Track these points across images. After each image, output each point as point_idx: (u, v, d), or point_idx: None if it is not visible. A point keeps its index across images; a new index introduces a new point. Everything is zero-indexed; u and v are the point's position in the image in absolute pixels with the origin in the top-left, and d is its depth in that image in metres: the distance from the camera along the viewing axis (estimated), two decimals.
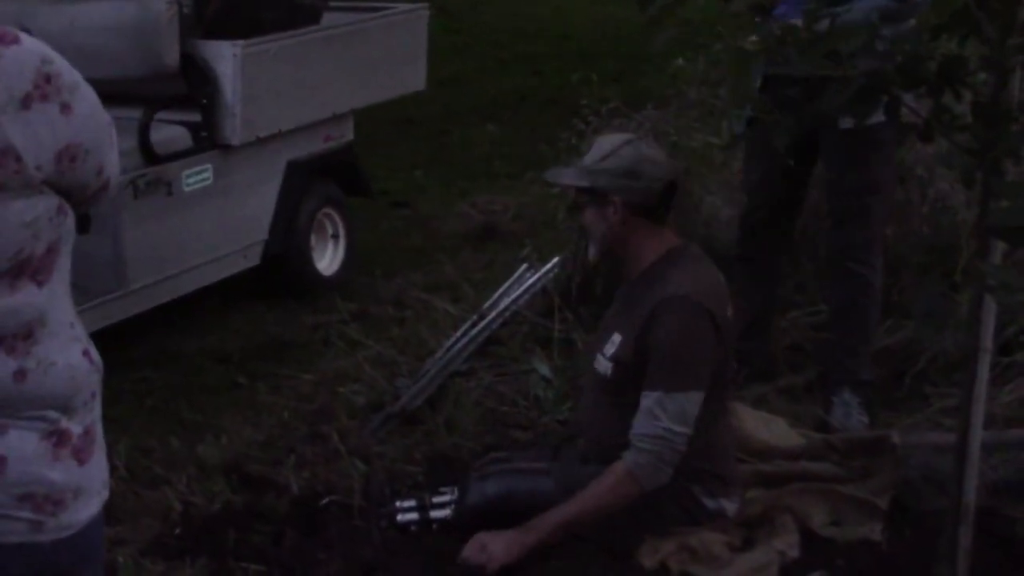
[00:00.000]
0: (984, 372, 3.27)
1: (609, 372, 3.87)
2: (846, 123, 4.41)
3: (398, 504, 4.10)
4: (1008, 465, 4.16)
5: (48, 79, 1.80)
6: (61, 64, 1.83)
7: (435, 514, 4.05)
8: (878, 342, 5.17)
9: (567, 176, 3.98)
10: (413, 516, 4.07)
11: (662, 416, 3.69)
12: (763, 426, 4.53)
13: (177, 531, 4.16)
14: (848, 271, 4.80)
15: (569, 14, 13.26)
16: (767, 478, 4.20)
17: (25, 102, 1.77)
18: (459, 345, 5.43)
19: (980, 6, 2.83)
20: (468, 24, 12.61)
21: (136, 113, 5.57)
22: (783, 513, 3.99)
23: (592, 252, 4.04)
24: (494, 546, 3.72)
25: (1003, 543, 3.82)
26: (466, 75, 11.08)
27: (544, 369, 5.17)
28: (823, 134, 4.64)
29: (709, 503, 3.93)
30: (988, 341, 3.27)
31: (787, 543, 3.89)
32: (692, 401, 3.70)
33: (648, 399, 3.72)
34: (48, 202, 1.82)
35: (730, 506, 3.96)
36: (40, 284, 1.84)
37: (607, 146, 3.89)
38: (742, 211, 5.17)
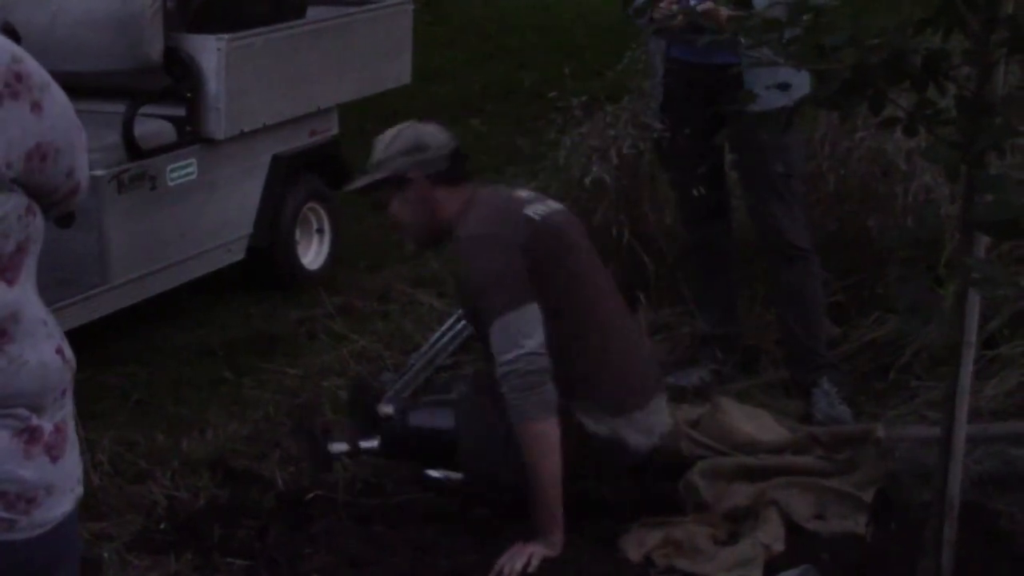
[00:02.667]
0: (968, 365, 3.28)
1: (469, 325, 4.13)
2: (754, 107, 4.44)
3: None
4: (992, 458, 4.17)
5: (19, 77, 1.79)
6: (31, 63, 1.82)
7: (364, 444, 4.26)
8: (863, 336, 5.19)
9: (363, 179, 4.19)
10: (343, 447, 4.27)
11: (504, 342, 3.83)
12: (747, 420, 4.53)
13: (162, 526, 4.15)
14: (786, 255, 4.84)
15: (553, 7, 13.24)
16: (752, 472, 4.21)
17: None
18: (444, 340, 5.43)
19: (964, 1, 2.84)
20: (452, 17, 12.58)
21: (120, 107, 5.54)
22: (768, 507, 4.00)
23: (409, 242, 4.33)
24: (535, 548, 3.83)
25: (988, 536, 3.83)
26: (451, 69, 11.06)
27: None
28: (732, 122, 4.63)
29: (597, 427, 3.98)
30: (972, 335, 3.28)
31: (772, 536, 3.90)
32: (524, 316, 3.84)
33: (490, 335, 3.88)
34: (17, 201, 1.81)
35: (636, 437, 4.03)
36: (10, 283, 1.83)
37: (388, 137, 4.15)
38: (677, 206, 5.28)
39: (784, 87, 3.32)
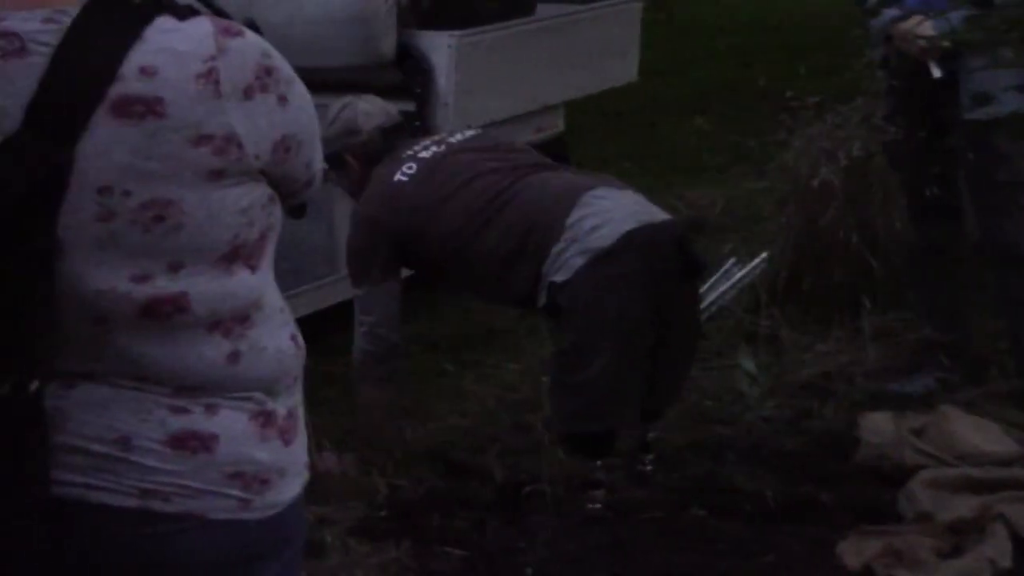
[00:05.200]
0: None
1: None
2: (976, 114, 4.32)
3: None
4: None
5: (268, 71, 1.85)
6: (278, 58, 1.88)
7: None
8: None
9: None
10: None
11: (358, 312, 4.43)
12: (974, 430, 4.43)
13: (383, 513, 4.23)
14: (1014, 266, 4.69)
15: (780, 6, 13.09)
16: (978, 483, 4.10)
17: (247, 92, 1.82)
18: None
19: None
20: (678, 16, 12.53)
21: None
22: (994, 520, 3.89)
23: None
24: None
25: None
26: (675, 67, 11.01)
27: (749, 365, 5.12)
28: (958, 126, 4.52)
29: (574, 261, 4.07)
30: None
31: (999, 552, 3.79)
32: (368, 295, 4.39)
33: None
34: (262, 191, 1.87)
35: (602, 232, 4.08)
36: (253, 270, 1.89)
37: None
38: (907, 201, 5.14)
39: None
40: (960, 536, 3.92)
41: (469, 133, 4.63)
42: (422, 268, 4.60)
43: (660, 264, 4.08)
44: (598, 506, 4.16)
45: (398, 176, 4.33)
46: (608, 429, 4.21)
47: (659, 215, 4.23)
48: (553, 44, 6.53)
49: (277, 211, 1.92)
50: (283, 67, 1.87)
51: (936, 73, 4.48)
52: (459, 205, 4.24)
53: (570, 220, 4.07)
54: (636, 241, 4.03)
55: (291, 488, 1.95)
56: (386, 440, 4.58)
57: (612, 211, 4.11)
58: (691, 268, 4.22)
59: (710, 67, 11.24)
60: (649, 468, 4.36)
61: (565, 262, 4.03)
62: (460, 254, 4.26)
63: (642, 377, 4.13)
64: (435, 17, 6.00)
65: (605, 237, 4.02)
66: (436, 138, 4.61)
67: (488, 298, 4.73)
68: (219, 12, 1.89)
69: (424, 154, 4.38)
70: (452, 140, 4.51)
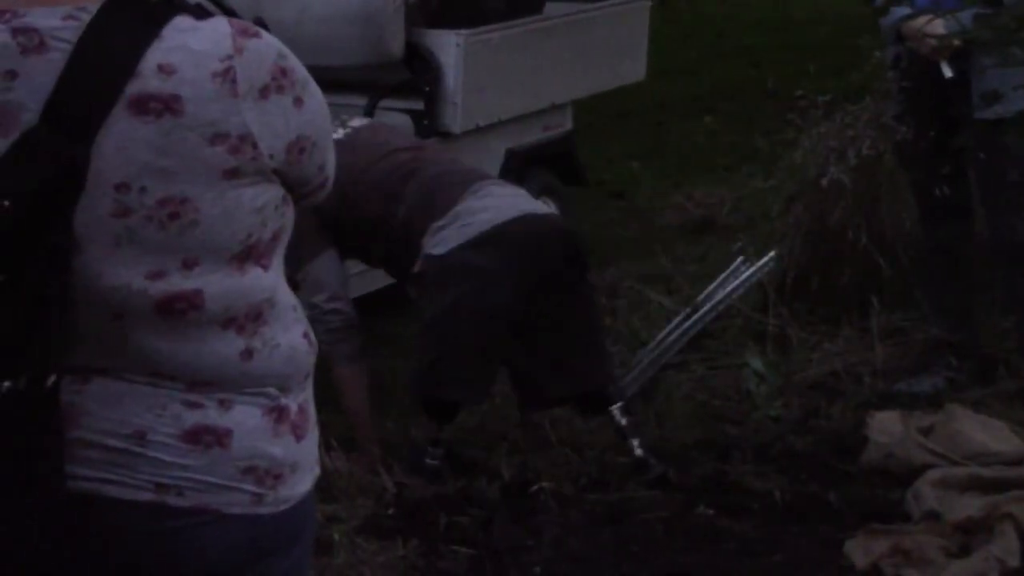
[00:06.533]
0: None
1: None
2: (986, 113, 4.33)
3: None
4: None
5: (284, 72, 1.86)
6: (293, 59, 1.89)
7: None
8: None
9: None
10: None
11: (306, 294, 4.24)
12: (982, 429, 4.43)
13: (390, 511, 4.23)
14: (1021, 265, 4.70)
15: (789, 5, 13.08)
16: (986, 483, 4.10)
17: (263, 93, 1.83)
18: (672, 337, 5.41)
19: None
20: (687, 14, 12.53)
21: (361, 100, 5.68)
22: (1003, 520, 3.89)
23: None
24: None
25: None
26: (684, 66, 11.00)
27: (757, 364, 5.13)
28: (968, 126, 4.53)
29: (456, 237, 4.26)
30: None
31: (1007, 551, 3.79)
32: (309, 273, 4.34)
33: None
34: (275, 191, 1.88)
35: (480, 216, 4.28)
36: (266, 269, 1.90)
37: None
38: (916, 200, 5.15)
39: None
40: (968, 535, 3.92)
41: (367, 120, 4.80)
42: (345, 245, 4.58)
43: (537, 256, 4.28)
44: (436, 463, 4.40)
45: None
46: (460, 399, 4.43)
47: (543, 211, 4.48)
48: (561, 43, 6.54)
49: (290, 212, 1.93)
50: (299, 68, 1.88)
51: (947, 72, 4.49)
52: (373, 179, 4.37)
53: (459, 205, 4.26)
54: (512, 231, 4.24)
55: (303, 483, 1.96)
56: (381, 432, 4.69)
57: (499, 200, 4.33)
58: (575, 262, 4.40)
59: (718, 66, 11.24)
60: (437, 463, 4.44)
61: (443, 239, 4.23)
62: (375, 229, 4.39)
63: (497, 360, 4.38)
64: (443, 16, 6.00)
65: (484, 223, 4.23)
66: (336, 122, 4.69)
67: (398, 276, 4.68)
68: (229, 12, 1.89)
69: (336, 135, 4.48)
70: (356, 124, 4.67)
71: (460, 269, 4.21)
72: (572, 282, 4.42)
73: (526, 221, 4.31)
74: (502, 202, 4.33)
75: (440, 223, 4.25)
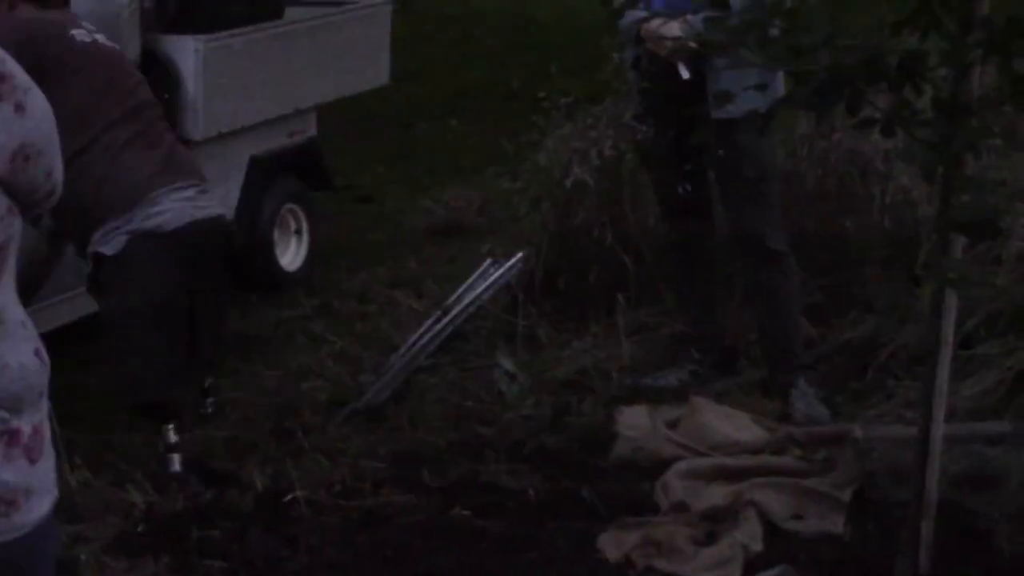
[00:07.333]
0: (945, 365, 3.30)
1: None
2: (720, 113, 4.48)
3: None
4: (969, 458, 4.18)
5: (2, 78, 1.79)
6: (13, 64, 1.82)
7: None
8: (841, 336, 5.20)
9: None
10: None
11: None
12: (725, 420, 4.55)
13: (140, 528, 4.14)
14: (761, 257, 4.85)
15: (530, 7, 13.23)
16: (730, 472, 4.22)
17: None
18: (423, 341, 5.43)
19: (940, 2, 2.85)
20: (429, 17, 12.57)
21: None
22: (746, 507, 4.01)
23: None
24: None
25: (964, 535, 3.84)
26: (428, 69, 11.04)
27: (508, 364, 5.17)
28: (704, 125, 4.67)
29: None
30: (949, 335, 3.29)
31: (751, 536, 3.91)
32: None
33: None
34: (0, 201, 1.82)
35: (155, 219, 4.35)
36: None
37: None
38: (658, 198, 5.26)
39: (762, 88, 3.33)
40: (715, 524, 4.02)
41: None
42: None
43: (199, 252, 4.43)
44: (177, 469, 4.40)
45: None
46: (165, 397, 4.46)
47: (211, 211, 4.53)
48: (304, 48, 6.48)
49: (17, 223, 1.86)
50: (19, 74, 1.82)
51: (684, 74, 4.60)
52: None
53: (133, 211, 4.31)
54: (179, 232, 4.34)
55: (40, 507, 1.89)
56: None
57: (172, 202, 4.37)
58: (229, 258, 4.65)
59: (463, 68, 11.30)
60: (211, 410, 4.75)
61: (114, 238, 4.29)
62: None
63: (181, 349, 4.43)
64: (181, 21, 5.88)
65: (154, 223, 4.31)
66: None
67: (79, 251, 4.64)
68: None
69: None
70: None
71: (131, 270, 4.30)
72: (217, 275, 4.60)
73: (190, 225, 4.39)
74: (174, 203, 4.38)
75: (113, 223, 4.30)
